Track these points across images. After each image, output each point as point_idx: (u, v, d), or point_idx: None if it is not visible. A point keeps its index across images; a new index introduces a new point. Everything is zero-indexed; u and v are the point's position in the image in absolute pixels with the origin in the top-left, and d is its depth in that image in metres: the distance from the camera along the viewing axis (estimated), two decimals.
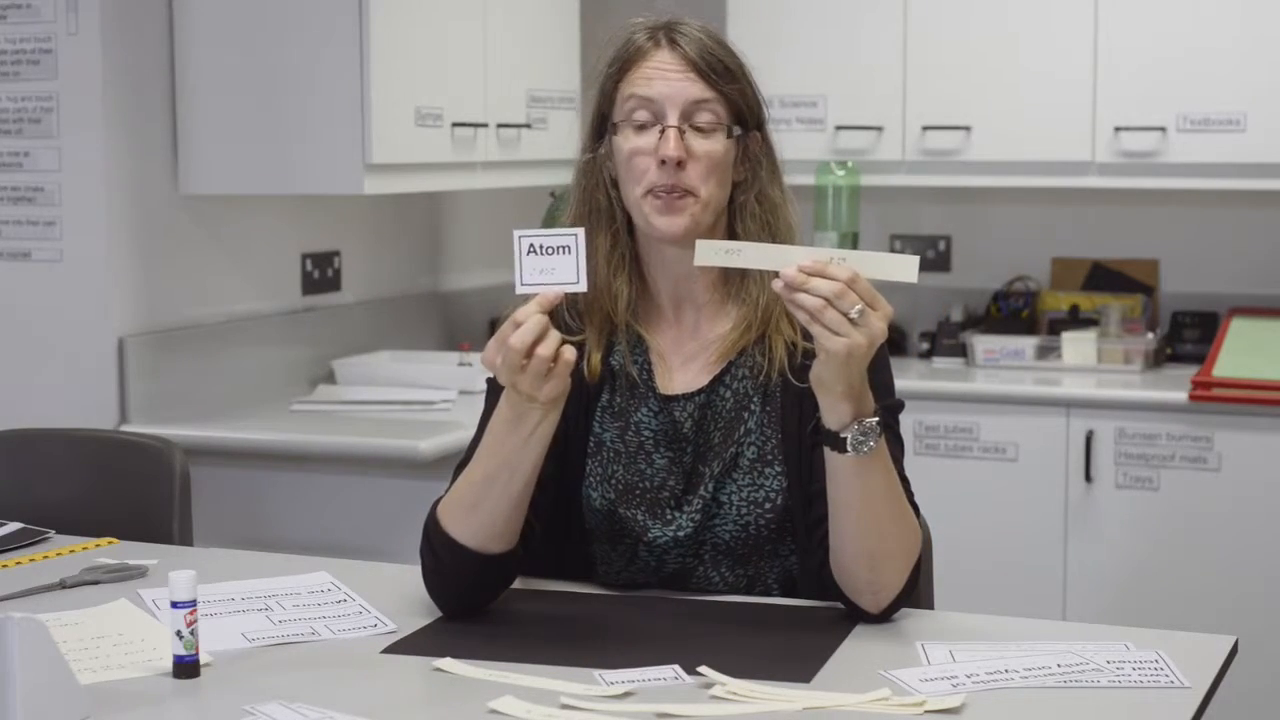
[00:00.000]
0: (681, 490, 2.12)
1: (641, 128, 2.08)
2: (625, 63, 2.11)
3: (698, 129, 2.07)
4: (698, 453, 2.12)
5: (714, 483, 2.10)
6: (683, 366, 2.15)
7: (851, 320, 1.85)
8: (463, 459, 2.10)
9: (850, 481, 1.95)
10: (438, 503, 2.07)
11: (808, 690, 1.76)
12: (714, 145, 2.07)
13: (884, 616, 2.01)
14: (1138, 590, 3.91)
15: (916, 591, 2.07)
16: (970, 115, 4.20)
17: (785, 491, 2.09)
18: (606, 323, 2.15)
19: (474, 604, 2.06)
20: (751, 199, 2.13)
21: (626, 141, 2.08)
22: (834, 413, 1.93)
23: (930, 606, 2.17)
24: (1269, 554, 3.82)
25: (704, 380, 2.13)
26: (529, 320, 1.88)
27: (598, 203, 2.15)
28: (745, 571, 2.13)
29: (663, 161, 2.05)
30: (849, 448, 1.92)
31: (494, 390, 2.12)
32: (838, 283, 1.85)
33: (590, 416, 2.15)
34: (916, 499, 2.09)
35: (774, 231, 2.14)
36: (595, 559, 2.16)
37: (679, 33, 2.10)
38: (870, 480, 1.96)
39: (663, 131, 2.06)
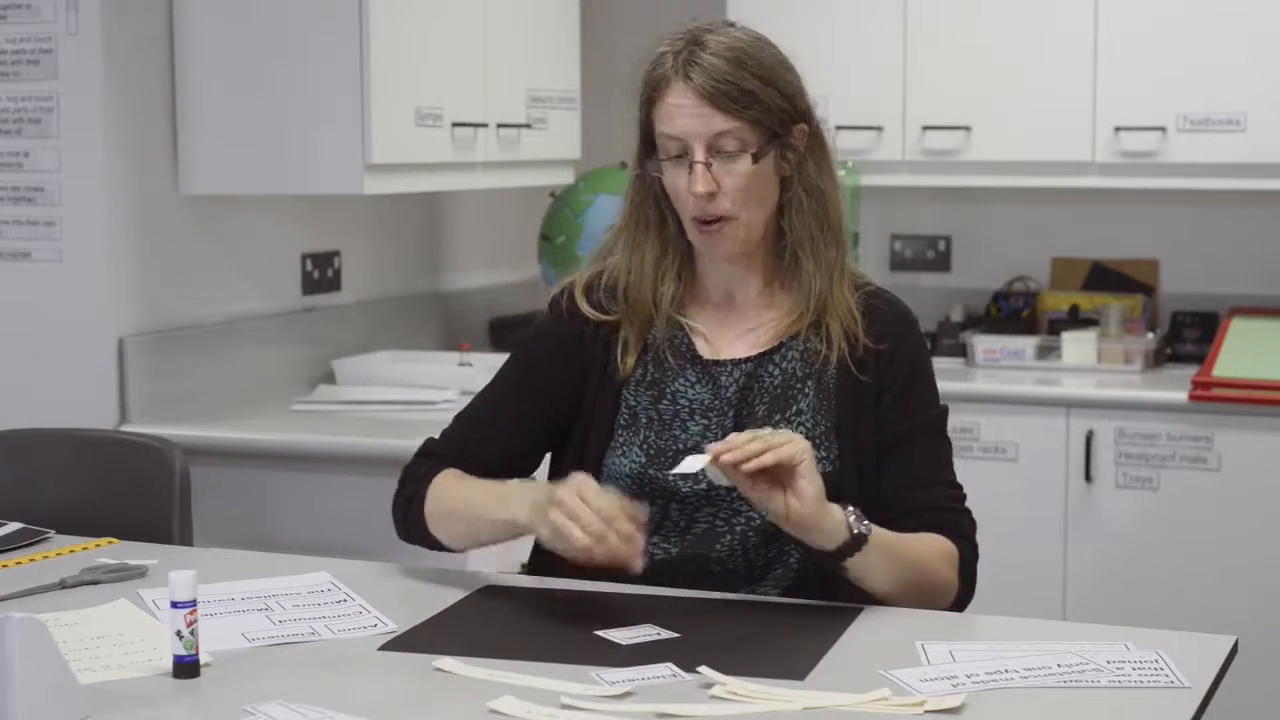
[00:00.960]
0: None
1: (678, 159, 2.14)
2: (653, 92, 2.17)
3: (726, 154, 2.12)
4: (739, 421, 2.18)
5: None
6: (731, 342, 2.23)
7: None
8: (465, 411, 2.29)
9: (864, 569, 2.03)
10: (429, 454, 2.26)
11: (807, 690, 1.76)
12: (743, 168, 2.13)
13: (958, 609, 2.14)
14: (1138, 590, 3.91)
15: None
16: (970, 115, 4.19)
17: (827, 477, 2.11)
18: (648, 324, 2.23)
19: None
20: (799, 193, 2.19)
21: (666, 174, 2.17)
22: (829, 525, 2.00)
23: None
24: (1269, 554, 3.82)
25: (753, 352, 2.21)
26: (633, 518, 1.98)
27: (647, 214, 2.24)
28: (767, 553, 2.17)
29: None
30: (860, 541, 2.00)
31: (518, 355, 2.29)
32: (752, 435, 1.95)
33: (618, 400, 2.22)
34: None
35: (823, 222, 2.20)
36: None
37: (695, 63, 2.13)
38: (877, 552, 2.03)
39: (691, 167, 2.12)
